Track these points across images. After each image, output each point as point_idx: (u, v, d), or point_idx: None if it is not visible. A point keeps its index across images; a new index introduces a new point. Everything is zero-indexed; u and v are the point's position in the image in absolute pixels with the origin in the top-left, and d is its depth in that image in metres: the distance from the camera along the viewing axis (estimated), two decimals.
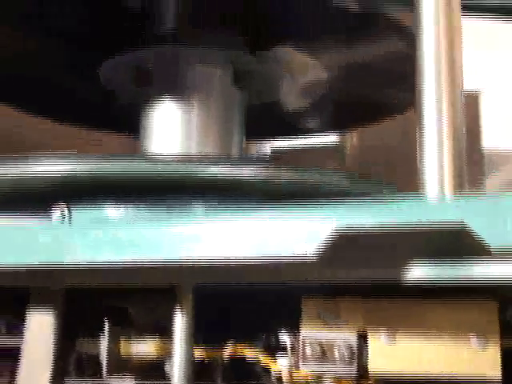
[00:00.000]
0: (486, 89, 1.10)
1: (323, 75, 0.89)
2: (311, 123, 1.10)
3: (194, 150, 0.84)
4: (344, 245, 0.45)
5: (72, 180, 0.61)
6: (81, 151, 0.61)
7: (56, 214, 0.67)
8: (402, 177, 1.16)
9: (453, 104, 0.48)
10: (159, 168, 0.60)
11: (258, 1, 0.70)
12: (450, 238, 0.44)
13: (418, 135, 0.49)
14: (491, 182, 1.10)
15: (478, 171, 1.09)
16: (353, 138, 1.20)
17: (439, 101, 0.49)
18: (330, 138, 1.18)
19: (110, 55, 0.85)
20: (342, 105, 1.01)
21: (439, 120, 0.47)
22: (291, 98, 0.97)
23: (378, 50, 0.77)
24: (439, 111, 0.49)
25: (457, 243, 0.44)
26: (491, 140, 1.09)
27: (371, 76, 0.89)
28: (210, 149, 0.85)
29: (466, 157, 0.49)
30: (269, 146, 1.24)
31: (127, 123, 0.90)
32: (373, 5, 0.69)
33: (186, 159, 0.68)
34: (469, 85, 0.94)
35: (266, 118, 1.03)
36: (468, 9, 0.66)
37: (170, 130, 0.85)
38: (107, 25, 0.79)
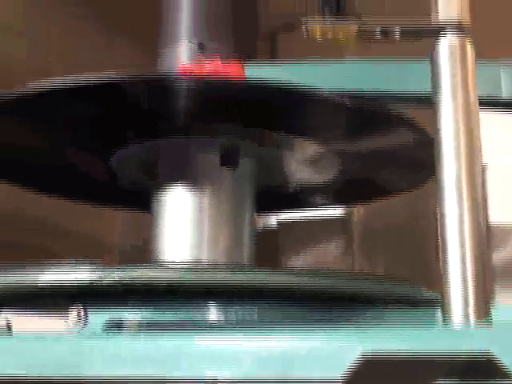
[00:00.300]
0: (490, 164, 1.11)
1: (331, 160, 0.90)
2: (318, 199, 1.11)
3: (205, 237, 0.84)
4: (370, 370, 0.46)
5: (90, 287, 0.62)
6: None
7: (73, 315, 0.67)
8: (410, 250, 1.17)
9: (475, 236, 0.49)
10: (178, 276, 0.61)
11: (267, 99, 0.71)
12: (476, 364, 0.44)
13: (440, 256, 0.49)
14: (497, 256, 1.10)
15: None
16: (360, 210, 1.21)
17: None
18: (337, 211, 1.19)
19: (119, 147, 0.86)
20: (349, 183, 1.02)
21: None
22: (298, 178, 0.98)
23: (387, 141, 0.79)
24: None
25: (482, 369, 0.44)
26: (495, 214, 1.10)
27: (378, 160, 0.90)
28: (222, 235, 0.85)
29: None
30: (275, 218, 1.25)
31: (138, 202, 0.91)
32: (383, 105, 0.71)
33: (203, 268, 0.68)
34: None
35: (273, 194, 1.05)
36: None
37: (181, 215, 0.86)
38: (116, 121, 0.80)
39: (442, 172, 0.53)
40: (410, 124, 0.72)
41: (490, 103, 0.74)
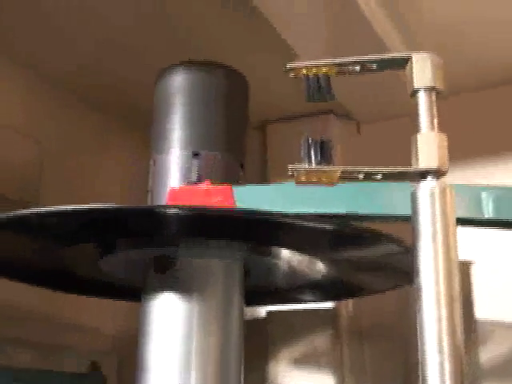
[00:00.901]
0: (477, 260, 1.14)
1: (319, 267, 0.92)
2: (306, 296, 1.13)
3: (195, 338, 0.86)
4: None
5: None
6: None
7: None
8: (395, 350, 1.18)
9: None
10: None
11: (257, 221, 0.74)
12: None
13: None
14: (485, 352, 1.12)
15: (473, 339, 1.12)
16: (348, 304, 1.22)
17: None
18: (325, 304, 1.20)
19: (109, 252, 0.89)
20: (335, 283, 1.04)
21: None
22: (286, 281, 1.01)
23: (369, 251, 0.82)
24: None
25: None
26: (483, 310, 1.12)
27: (363, 264, 0.93)
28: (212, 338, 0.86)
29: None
30: (264, 310, 1.26)
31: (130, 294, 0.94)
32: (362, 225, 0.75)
33: None
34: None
35: (261, 292, 1.07)
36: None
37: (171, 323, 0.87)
38: (111, 237, 0.83)
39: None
40: (388, 238, 0.75)
41: (475, 222, 0.77)
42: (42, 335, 1.20)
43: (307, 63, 0.62)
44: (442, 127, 1.17)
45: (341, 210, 0.73)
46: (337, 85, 1.16)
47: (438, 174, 0.58)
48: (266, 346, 1.24)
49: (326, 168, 0.58)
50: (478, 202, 0.76)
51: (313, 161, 0.58)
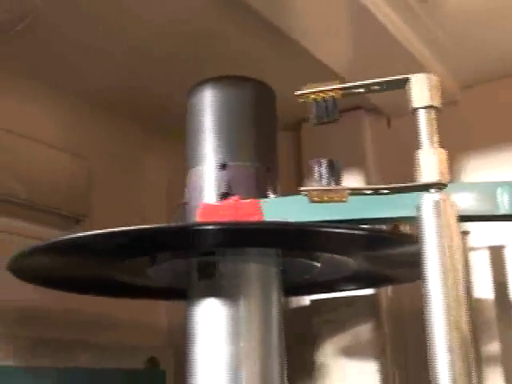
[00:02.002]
0: None
1: (351, 264, 0.98)
2: (342, 286, 1.19)
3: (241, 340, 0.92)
4: None
5: None
6: None
7: None
8: None
9: None
10: None
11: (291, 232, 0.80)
12: None
13: None
14: None
15: None
16: (387, 290, 1.27)
17: None
18: (366, 291, 1.26)
19: (155, 263, 0.96)
20: (369, 276, 1.10)
21: None
22: (321, 276, 1.07)
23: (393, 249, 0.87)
24: None
25: None
26: None
27: (390, 259, 0.98)
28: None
29: None
30: (308, 299, 1.32)
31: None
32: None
33: None
34: None
35: (303, 284, 1.14)
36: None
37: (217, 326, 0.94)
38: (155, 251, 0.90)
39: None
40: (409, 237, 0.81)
41: (490, 217, 0.82)
42: (100, 336, 1.29)
43: (315, 89, 0.67)
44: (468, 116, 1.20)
45: (357, 216, 0.78)
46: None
47: (439, 186, 0.63)
48: (310, 333, 1.30)
49: (335, 188, 0.63)
50: (493, 198, 0.80)
51: (324, 181, 0.63)
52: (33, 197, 1.17)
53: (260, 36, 1.10)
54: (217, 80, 1.05)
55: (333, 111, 0.67)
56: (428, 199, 0.63)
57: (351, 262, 1.00)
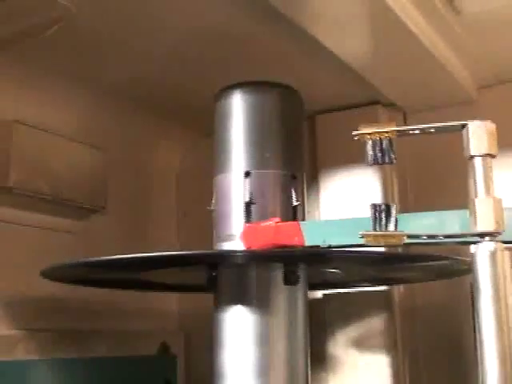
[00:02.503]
0: None
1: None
2: (359, 284, 1.22)
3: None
4: None
5: None
6: None
7: None
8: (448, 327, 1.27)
9: None
10: None
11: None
12: None
13: None
14: None
15: None
16: (400, 286, 1.30)
17: None
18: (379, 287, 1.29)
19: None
20: (384, 279, 1.13)
21: None
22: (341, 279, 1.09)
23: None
24: None
25: None
26: None
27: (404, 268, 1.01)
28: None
29: None
30: (321, 293, 1.35)
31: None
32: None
33: None
34: None
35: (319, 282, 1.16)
36: None
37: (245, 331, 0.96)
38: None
39: None
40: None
41: None
42: (115, 324, 1.31)
43: (371, 130, 0.68)
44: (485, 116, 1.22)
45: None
46: (382, 76, 1.21)
47: (494, 235, 0.64)
48: (323, 324, 1.33)
49: (393, 233, 0.65)
50: None
51: (382, 225, 0.65)
52: (56, 191, 1.17)
53: (282, 34, 1.09)
54: (245, 85, 1.05)
55: (388, 152, 0.68)
56: (484, 249, 0.64)
57: (368, 269, 1.03)
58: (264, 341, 0.96)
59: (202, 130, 1.41)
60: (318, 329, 1.33)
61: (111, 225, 1.33)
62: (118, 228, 1.36)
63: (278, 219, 0.86)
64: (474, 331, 1.11)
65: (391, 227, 0.66)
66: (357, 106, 1.37)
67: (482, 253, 0.64)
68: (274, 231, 0.83)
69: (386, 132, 0.68)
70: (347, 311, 1.32)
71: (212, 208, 1.04)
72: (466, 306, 1.19)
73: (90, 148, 1.26)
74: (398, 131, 0.68)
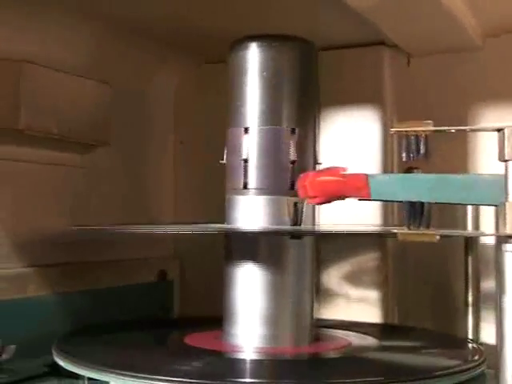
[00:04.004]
0: None
1: None
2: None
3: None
4: None
5: None
6: None
7: None
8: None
9: None
10: None
11: None
12: None
13: None
14: None
15: None
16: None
17: None
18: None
19: None
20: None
21: None
22: None
23: None
24: None
25: None
26: None
27: None
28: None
29: None
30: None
31: None
32: None
33: None
34: None
35: None
36: None
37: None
38: None
39: None
40: None
41: None
42: (116, 253, 1.35)
43: (409, 128, 0.70)
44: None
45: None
46: (384, 18, 1.21)
47: None
48: (318, 262, 1.38)
49: (427, 232, 0.68)
50: None
51: (416, 223, 0.68)
52: (63, 129, 1.17)
53: None
54: (261, 39, 1.04)
55: (424, 149, 0.70)
56: (510, 250, 0.68)
57: None
58: (273, 291, 1.00)
59: (200, 58, 1.41)
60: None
61: (114, 158, 1.34)
62: (121, 160, 1.37)
63: (344, 169, 0.82)
64: (466, 274, 1.19)
65: (424, 225, 0.70)
66: (361, 45, 1.36)
67: (508, 254, 0.68)
68: (341, 183, 0.81)
69: (424, 131, 0.70)
70: (340, 247, 1.37)
71: (224, 161, 1.06)
72: (458, 247, 1.25)
73: (95, 83, 1.25)
74: (435, 130, 0.70)
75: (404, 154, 0.72)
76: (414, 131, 0.70)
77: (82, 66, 1.23)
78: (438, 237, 0.68)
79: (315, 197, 0.82)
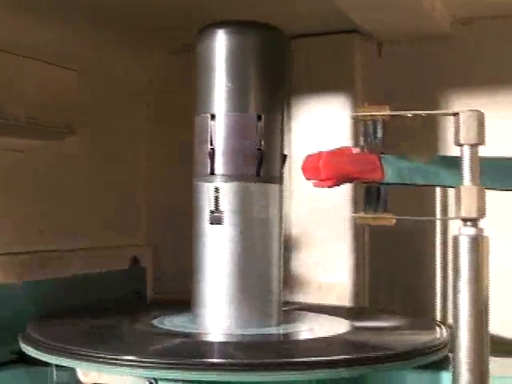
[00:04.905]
0: None
1: None
2: None
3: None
4: None
5: None
6: None
7: None
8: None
9: None
10: None
11: None
12: None
13: None
14: None
15: None
16: None
17: None
18: None
19: None
20: None
21: None
22: None
23: None
24: None
25: None
26: None
27: None
28: None
29: None
30: None
31: None
32: None
33: None
34: None
35: None
36: None
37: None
38: None
39: None
40: None
41: None
42: (86, 242, 1.35)
43: (368, 113, 0.70)
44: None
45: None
46: (355, 6, 1.21)
47: (476, 221, 0.69)
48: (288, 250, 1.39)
49: (382, 216, 0.69)
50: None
51: (372, 206, 0.69)
52: (31, 116, 1.17)
53: None
54: (228, 25, 1.05)
55: (380, 134, 0.71)
56: (465, 233, 0.69)
57: None
58: (240, 273, 1.02)
59: (171, 45, 1.43)
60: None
61: (83, 146, 1.34)
62: (90, 149, 1.37)
63: (357, 150, 0.79)
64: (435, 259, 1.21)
65: (381, 209, 0.70)
66: (333, 33, 1.37)
67: (463, 237, 0.69)
68: (355, 164, 0.77)
69: (381, 115, 0.71)
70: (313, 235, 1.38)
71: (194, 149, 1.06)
72: (429, 233, 1.26)
73: (63, 70, 1.25)
74: (392, 115, 0.70)
75: (361, 139, 0.72)
76: (372, 116, 0.71)
77: (50, 53, 1.22)
78: (394, 220, 0.69)
79: (328, 179, 0.78)
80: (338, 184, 0.77)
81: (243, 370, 0.77)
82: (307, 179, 0.81)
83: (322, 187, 0.79)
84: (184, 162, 1.14)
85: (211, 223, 1.01)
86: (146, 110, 1.53)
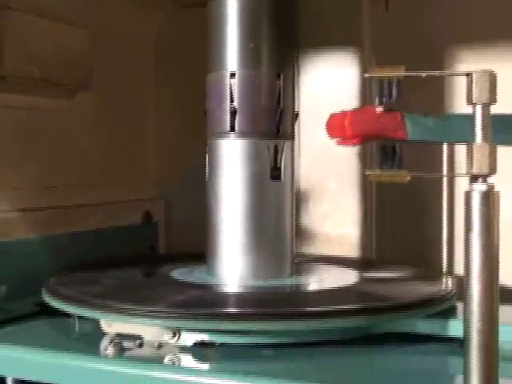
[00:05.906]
0: None
1: None
2: None
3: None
4: None
5: None
6: None
7: None
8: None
9: None
10: None
11: None
12: None
13: None
14: None
15: None
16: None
17: None
18: None
19: None
20: None
21: None
22: None
23: None
24: None
25: None
26: None
27: None
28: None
29: None
30: None
31: None
32: None
33: None
34: None
35: None
36: None
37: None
38: None
39: None
40: None
41: None
42: (101, 197, 1.38)
43: (382, 74, 0.72)
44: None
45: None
46: None
47: (487, 178, 0.72)
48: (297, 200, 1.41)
49: (397, 173, 0.72)
50: None
51: (388, 164, 0.71)
52: (45, 75, 1.18)
53: None
54: None
55: (395, 93, 0.73)
56: (476, 189, 0.72)
57: None
58: (253, 226, 1.06)
59: (180, 1, 1.45)
60: None
61: (96, 102, 1.36)
62: (103, 105, 1.39)
63: (380, 109, 0.80)
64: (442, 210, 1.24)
65: (396, 166, 0.73)
66: None
67: (475, 193, 0.72)
68: (377, 123, 0.79)
69: (396, 76, 0.73)
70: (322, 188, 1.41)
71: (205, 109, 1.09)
72: (436, 186, 1.29)
73: (76, 28, 1.26)
74: (407, 76, 0.73)
75: (377, 99, 0.75)
76: (387, 76, 0.73)
77: (62, 11, 1.23)
78: (408, 177, 0.72)
79: (353, 137, 0.79)
80: (362, 142, 0.79)
81: (267, 319, 0.81)
82: (331, 137, 0.82)
83: (347, 145, 0.81)
84: (193, 118, 1.16)
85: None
86: (154, 66, 1.53)
